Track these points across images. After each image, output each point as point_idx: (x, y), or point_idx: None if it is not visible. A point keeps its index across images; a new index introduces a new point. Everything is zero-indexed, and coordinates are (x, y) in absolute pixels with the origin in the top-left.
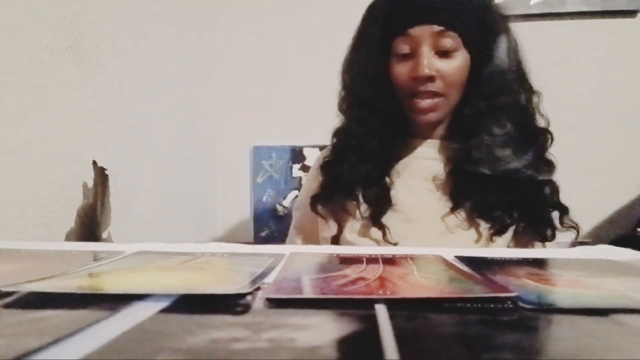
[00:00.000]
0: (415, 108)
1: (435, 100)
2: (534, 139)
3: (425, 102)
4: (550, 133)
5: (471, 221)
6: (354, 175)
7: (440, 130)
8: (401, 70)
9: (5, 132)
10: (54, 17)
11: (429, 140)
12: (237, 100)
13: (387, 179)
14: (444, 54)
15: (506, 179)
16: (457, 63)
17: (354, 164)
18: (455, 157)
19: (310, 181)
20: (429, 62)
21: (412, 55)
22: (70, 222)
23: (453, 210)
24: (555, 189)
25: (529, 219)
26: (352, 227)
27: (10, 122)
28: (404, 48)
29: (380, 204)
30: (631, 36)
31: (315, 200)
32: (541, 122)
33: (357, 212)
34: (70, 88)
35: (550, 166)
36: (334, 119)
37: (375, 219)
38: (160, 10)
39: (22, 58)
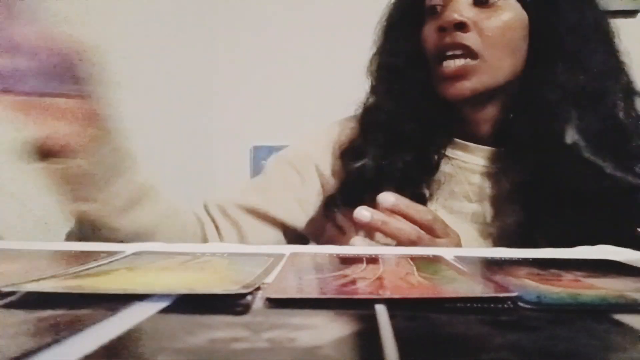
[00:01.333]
0: (442, 73)
1: (467, 61)
2: (633, 155)
3: (454, 63)
4: None
5: None
6: (385, 168)
7: (493, 133)
8: (429, 26)
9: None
10: (54, 17)
11: (480, 147)
12: (236, 100)
13: (425, 190)
14: (485, 3)
15: (591, 207)
16: (503, 17)
17: (384, 151)
18: (521, 171)
19: (311, 148)
20: (460, 7)
21: (445, 7)
22: (70, 222)
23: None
24: None
25: None
26: None
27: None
28: None
29: None
30: (631, 36)
31: (331, 203)
32: None
33: None
34: None
35: None
36: (334, 120)
37: None
38: (160, 10)
39: None
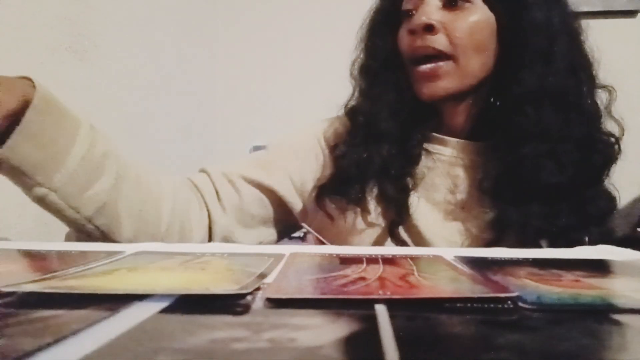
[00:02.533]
0: (417, 75)
1: (440, 63)
2: (595, 149)
3: (427, 66)
4: (618, 144)
5: None
6: (367, 163)
7: (469, 127)
8: (403, 29)
9: None
10: (54, 17)
11: (456, 140)
12: (236, 100)
13: (409, 180)
14: (453, 6)
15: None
16: (471, 18)
17: (367, 147)
18: (497, 163)
19: (304, 146)
20: (429, 10)
21: (416, 11)
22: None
23: (493, 245)
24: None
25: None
26: (361, 242)
27: None
28: (408, 4)
29: (397, 208)
30: (631, 36)
31: (323, 192)
32: (614, 129)
33: (365, 215)
34: (70, 88)
35: (609, 201)
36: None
37: (392, 230)
38: (160, 10)
39: (22, 58)
